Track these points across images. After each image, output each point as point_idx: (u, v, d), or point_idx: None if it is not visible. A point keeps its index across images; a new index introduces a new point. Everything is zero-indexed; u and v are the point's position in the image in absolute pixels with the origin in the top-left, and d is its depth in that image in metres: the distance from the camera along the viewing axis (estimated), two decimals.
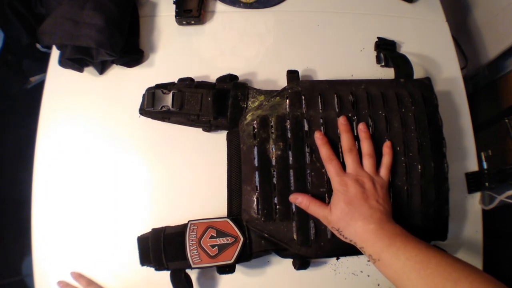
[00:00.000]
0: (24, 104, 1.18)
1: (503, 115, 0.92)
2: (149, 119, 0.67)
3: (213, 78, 0.68)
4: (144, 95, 0.65)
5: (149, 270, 0.57)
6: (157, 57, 0.73)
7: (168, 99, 0.63)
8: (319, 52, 0.75)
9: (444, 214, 0.60)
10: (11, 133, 1.22)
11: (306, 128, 0.58)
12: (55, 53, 0.71)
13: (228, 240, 0.57)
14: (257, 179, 0.57)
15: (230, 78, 0.66)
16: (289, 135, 0.58)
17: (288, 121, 0.58)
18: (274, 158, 0.57)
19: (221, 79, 0.67)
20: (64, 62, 0.68)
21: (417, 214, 0.58)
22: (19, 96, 1.20)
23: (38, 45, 0.89)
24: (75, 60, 0.68)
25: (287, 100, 0.59)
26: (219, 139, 0.66)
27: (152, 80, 0.66)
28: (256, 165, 0.57)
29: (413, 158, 0.58)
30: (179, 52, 0.73)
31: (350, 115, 0.58)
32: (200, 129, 0.67)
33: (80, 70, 0.70)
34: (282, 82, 0.68)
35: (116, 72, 0.71)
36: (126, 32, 0.68)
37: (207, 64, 0.72)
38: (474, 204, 0.69)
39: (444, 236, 0.61)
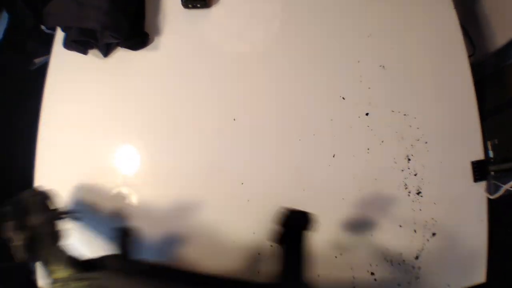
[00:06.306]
0: (28, 85, 1.18)
1: (510, 103, 0.91)
2: (154, 105, 0.66)
3: (218, 63, 0.67)
4: None
5: None
6: (162, 40, 0.72)
7: None
8: (325, 33, 0.73)
9: None
10: (15, 114, 1.22)
11: None
12: (59, 35, 0.71)
13: None
14: None
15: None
16: None
17: None
18: None
19: None
20: (69, 44, 0.68)
21: None
22: (23, 77, 1.19)
23: (42, 27, 0.89)
24: (80, 42, 0.67)
25: None
26: None
27: (156, 63, 0.65)
28: None
29: None
30: (185, 35, 0.72)
31: None
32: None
33: (85, 52, 0.70)
34: (288, 71, 0.66)
35: (121, 54, 0.71)
36: (132, 14, 0.68)
37: (212, 48, 0.71)
38: (480, 193, 0.69)
39: None
